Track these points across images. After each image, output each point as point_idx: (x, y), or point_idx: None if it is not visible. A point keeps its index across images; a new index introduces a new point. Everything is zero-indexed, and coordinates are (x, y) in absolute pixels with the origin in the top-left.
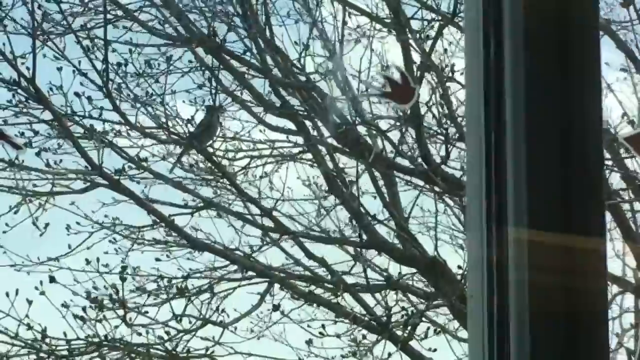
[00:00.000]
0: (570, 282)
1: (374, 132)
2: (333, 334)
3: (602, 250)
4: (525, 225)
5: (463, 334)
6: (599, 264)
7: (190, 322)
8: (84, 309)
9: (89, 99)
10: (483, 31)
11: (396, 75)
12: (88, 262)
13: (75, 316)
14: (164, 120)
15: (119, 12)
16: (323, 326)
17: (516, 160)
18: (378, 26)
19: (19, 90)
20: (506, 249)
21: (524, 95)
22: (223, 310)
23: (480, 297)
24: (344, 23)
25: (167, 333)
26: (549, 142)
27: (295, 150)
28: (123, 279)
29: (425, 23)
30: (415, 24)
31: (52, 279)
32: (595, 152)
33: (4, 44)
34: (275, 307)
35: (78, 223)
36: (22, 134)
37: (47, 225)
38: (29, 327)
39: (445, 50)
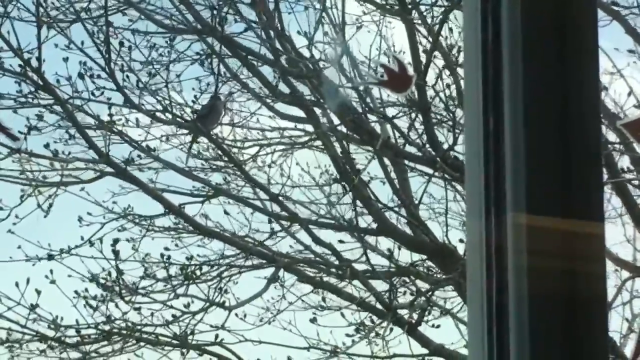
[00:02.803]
0: (570, 267)
1: (381, 119)
2: (337, 308)
3: (601, 235)
4: (523, 210)
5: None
6: (598, 248)
7: (193, 302)
8: (94, 297)
9: (92, 76)
10: (481, 14)
11: (393, 63)
12: (92, 244)
13: (86, 302)
14: (167, 103)
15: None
16: (324, 299)
17: (515, 145)
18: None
19: (26, 81)
20: (505, 234)
21: (522, 79)
22: (226, 291)
23: (480, 281)
24: (343, 10)
25: (174, 316)
26: (547, 127)
27: (305, 137)
28: (116, 253)
29: (432, 8)
30: (421, 10)
31: (51, 257)
32: (594, 137)
33: (8, 32)
34: (272, 280)
35: (89, 213)
36: (28, 119)
37: (50, 205)
38: (33, 309)
39: (446, 38)
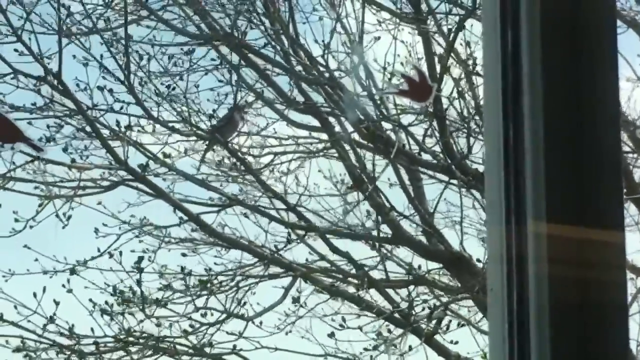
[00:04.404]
0: (590, 275)
1: (397, 127)
2: (356, 327)
3: (621, 243)
4: (544, 218)
5: (487, 326)
6: (617, 256)
7: (212, 314)
8: (110, 305)
9: (111, 91)
10: (500, 22)
11: (414, 73)
12: (110, 255)
13: (103, 312)
14: (186, 115)
15: (143, 12)
16: (343, 319)
17: (534, 154)
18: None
19: (45, 91)
20: (525, 243)
21: (541, 87)
22: (245, 303)
23: (501, 290)
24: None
25: (192, 326)
26: (566, 135)
27: (320, 146)
28: (140, 270)
29: (447, 16)
30: (437, 18)
31: (73, 271)
32: (613, 145)
33: (29, 39)
34: (295, 300)
35: (105, 224)
36: (48, 127)
37: (69, 217)
38: (52, 320)
39: (468, 42)
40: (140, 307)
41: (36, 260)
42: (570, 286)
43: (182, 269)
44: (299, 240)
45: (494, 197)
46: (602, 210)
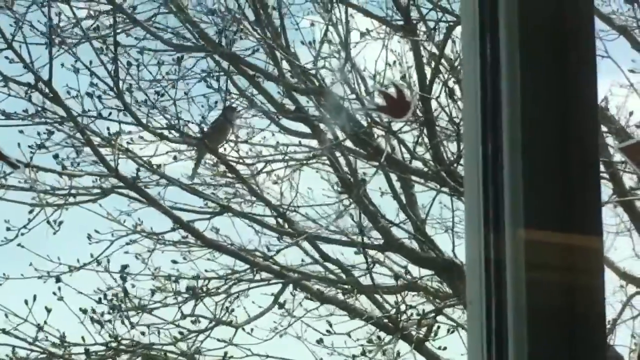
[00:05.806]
0: (568, 280)
1: (386, 133)
2: (345, 333)
3: (599, 248)
4: (522, 224)
5: None
6: (596, 262)
7: (199, 322)
8: (101, 313)
9: (99, 97)
10: (479, 30)
11: (392, 90)
12: (99, 262)
13: (93, 320)
14: (176, 122)
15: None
16: (330, 324)
17: (512, 160)
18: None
19: (36, 98)
20: (503, 249)
21: (520, 96)
22: (232, 310)
23: (479, 296)
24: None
25: (181, 333)
26: (545, 142)
27: (311, 153)
28: (124, 279)
29: (436, 24)
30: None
31: (58, 279)
32: (592, 152)
33: (20, 47)
34: (281, 305)
35: (97, 231)
36: (39, 134)
37: (61, 223)
38: (41, 328)
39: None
40: (125, 316)
41: (30, 264)
42: (548, 291)
43: (169, 277)
44: (289, 246)
45: (472, 203)
46: (580, 215)
